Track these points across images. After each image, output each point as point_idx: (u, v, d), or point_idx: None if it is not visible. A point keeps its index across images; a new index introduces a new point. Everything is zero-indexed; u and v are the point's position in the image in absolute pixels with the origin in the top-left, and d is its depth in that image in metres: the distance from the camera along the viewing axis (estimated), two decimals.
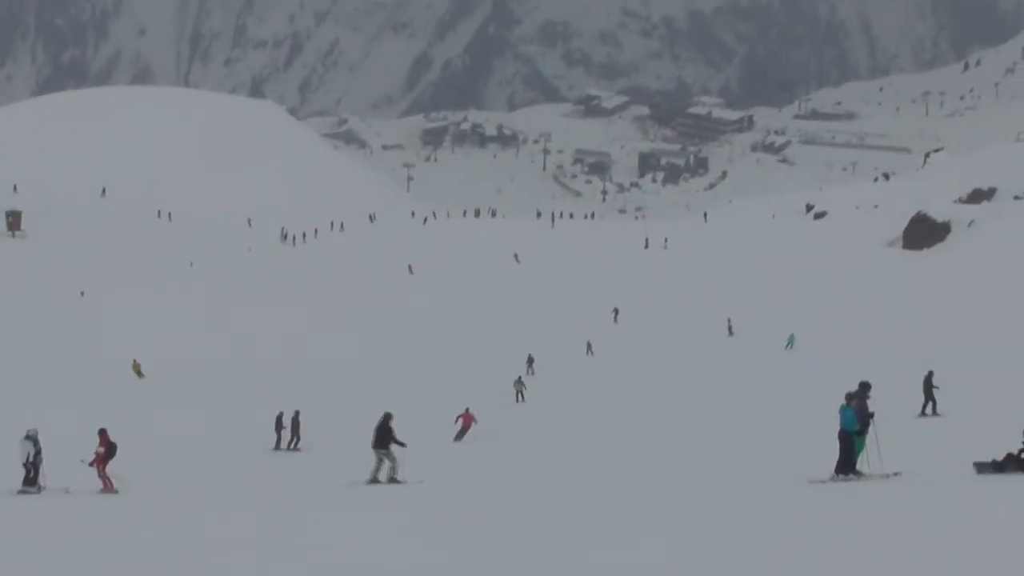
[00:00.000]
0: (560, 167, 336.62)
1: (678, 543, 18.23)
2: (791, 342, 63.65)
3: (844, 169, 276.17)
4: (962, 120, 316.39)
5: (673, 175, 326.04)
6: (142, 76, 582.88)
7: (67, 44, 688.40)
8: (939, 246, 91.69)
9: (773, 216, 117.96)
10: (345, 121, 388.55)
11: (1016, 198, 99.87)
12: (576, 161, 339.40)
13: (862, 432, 24.15)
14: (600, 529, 20.02)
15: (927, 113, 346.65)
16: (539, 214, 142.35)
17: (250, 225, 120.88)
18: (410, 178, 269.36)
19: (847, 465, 23.97)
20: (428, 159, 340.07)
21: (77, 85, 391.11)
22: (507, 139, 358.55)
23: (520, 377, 52.02)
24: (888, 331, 62.77)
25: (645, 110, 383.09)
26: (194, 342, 66.61)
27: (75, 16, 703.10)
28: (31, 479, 27.04)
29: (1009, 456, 23.86)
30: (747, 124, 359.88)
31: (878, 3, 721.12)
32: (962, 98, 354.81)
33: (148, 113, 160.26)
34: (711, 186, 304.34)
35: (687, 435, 35.39)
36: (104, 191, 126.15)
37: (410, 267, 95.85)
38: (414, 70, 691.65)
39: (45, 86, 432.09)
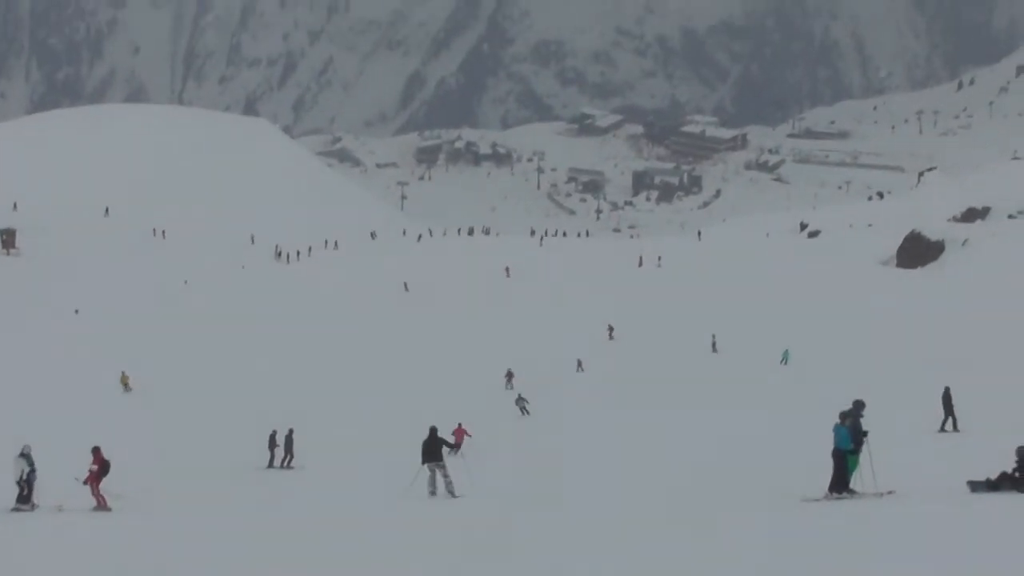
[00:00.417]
0: (554, 185, 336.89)
1: (673, 563, 18.26)
2: (786, 357, 63.72)
3: (839, 188, 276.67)
4: (956, 139, 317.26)
5: (667, 194, 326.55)
6: (136, 94, 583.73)
7: (61, 63, 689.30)
8: (933, 265, 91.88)
9: (767, 235, 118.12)
10: (339, 139, 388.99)
11: (1010, 217, 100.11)
12: (570, 179, 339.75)
13: (856, 450, 24.21)
14: (596, 547, 20.04)
15: (921, 132, 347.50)
16: (533, 232, 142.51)
17: (253, 242, 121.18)
18: (404, 196, 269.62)
19: (841, 483, 24.02)
20: (422, 177, 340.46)
21: (71, 103, 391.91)
22: (501, 157, 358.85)
23: (520, 394, 52.23)
24: (882, 349, 62.85)
25: (639, 129, 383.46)
26: (187, 359, 66.62)
27: (69, 35, 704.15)
28: (24, 497, 27.02)
29: (1003, 475, 23.91)
30: (741, 143, 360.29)
31: (872, 22, 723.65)
32: (956, 117, 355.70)
33: (142, 131, 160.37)
34: (705, 204, 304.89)
35: (679, 452, 35.40)
36: (107, 211, 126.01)
37: (405, 284, 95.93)
38: (408, 88, 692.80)
39: (40, 104, 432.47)
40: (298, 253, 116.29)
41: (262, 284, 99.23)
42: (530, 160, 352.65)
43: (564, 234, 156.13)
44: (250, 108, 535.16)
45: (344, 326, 79.91)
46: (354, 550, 20.20)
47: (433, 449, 28.11)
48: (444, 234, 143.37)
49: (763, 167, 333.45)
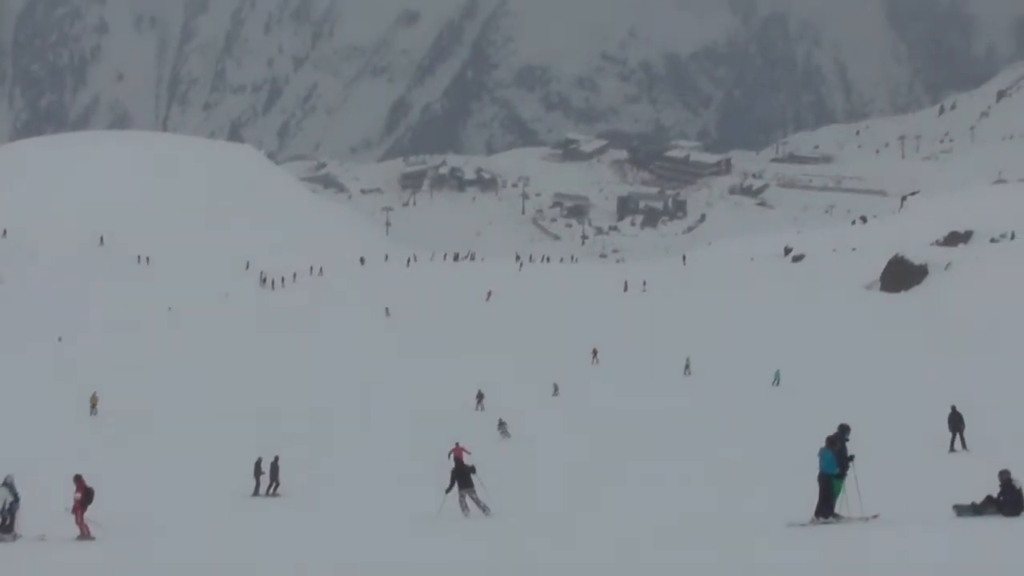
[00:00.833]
0: (539, 211, 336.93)
1: None
2: (777, 378, 63.89)
3: (823, 212, 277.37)
4: (938, 163, 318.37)
5: (652, 218, 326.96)
6: (120, 121, 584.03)
7: (45, 89, 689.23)
8: (916, 288, 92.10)
9: (752, 259, 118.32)
10: (324, 165, 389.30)
11: (992, 240, 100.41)
12: (555, 204, 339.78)
13: (841, 475, 24.26)
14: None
15: (903, 156, 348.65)
16: (518, 257, 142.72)
17: (247, 267, 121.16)
18: (388, 222, 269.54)
19: (826, 508, 24.05)
20: (407, 203, 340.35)
21: (55, 130, 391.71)
22: (486, 182, 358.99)
23: (500, 418, 52.30)
24: (867, 372, 63.03)
25: (623, 154, 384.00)
26: (172, 386, 66.44)
27: (53, 62, 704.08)
28: (7, 526, 26.92)
29: (988, 499, 23.99)
30: (725, 167, 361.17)
31: (854, 48, 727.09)
32: (940, 141, 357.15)
33: (126, 158, 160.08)
34: (690, 229, 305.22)
35: (664, 477, 35.44)
36: (102, 240, 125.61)
37: (387, 309, 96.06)
38: (393, 114, 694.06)
39: (23, 131, 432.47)
40: (283, 279, 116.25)
41: (247, 310, 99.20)
42: (515, 185, 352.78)
43: (548, 259, 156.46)
44: (235, 134, 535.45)
45: (327, 352, 79.93)
46: None
47: (465, 476, 29.49)
48: (431, 259, 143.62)
49: (747, 191, 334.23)
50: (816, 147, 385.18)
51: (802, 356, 68.91)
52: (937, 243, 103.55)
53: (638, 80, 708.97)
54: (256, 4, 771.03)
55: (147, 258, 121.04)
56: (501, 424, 51.46)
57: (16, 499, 27.02)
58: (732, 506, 28.59)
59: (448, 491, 29.70)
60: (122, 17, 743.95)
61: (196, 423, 55.06)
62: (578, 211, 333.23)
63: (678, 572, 19.71)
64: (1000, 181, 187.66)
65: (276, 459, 37.52)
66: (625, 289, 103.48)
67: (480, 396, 61.16)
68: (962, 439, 38.23)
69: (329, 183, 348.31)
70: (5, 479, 27.27)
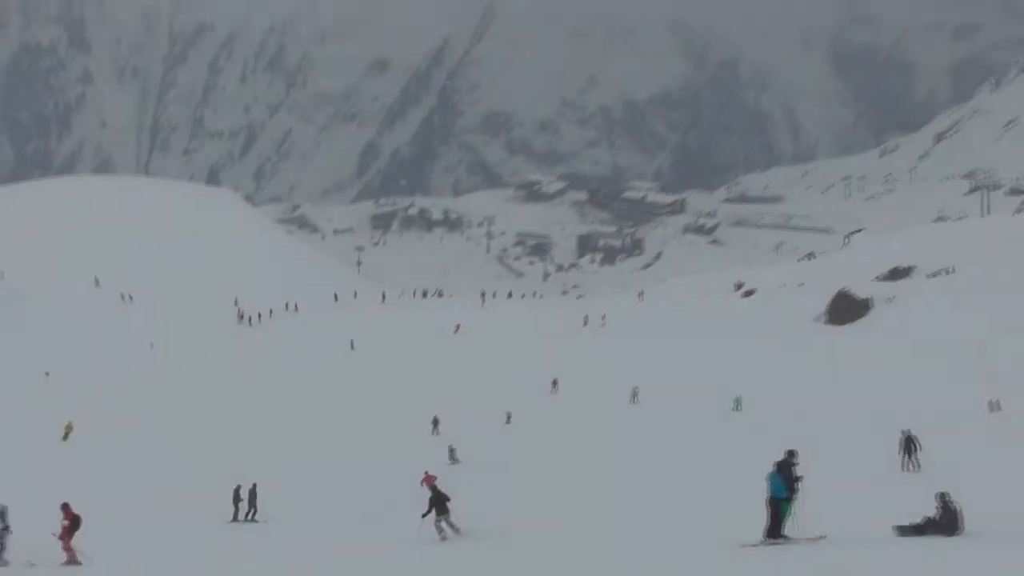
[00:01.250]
0: (504, 249, 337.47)
1: None
2: (738, 403, 64.08)
3: (773, 249, 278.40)
4: (880, 202, 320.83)
5: (610, 256, 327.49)
6: (104, 166, 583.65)
7: (31, 136, 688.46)
8: (861, 321, 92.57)
9: (705, 294, 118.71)
10: (298, 207, 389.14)
11: (932, 275, 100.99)
12: (518, 243, 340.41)
13: (790, 498, 24.45)
14: None
15: (848, 196, 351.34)
16: (482, 294, 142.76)
17: (236, 304, 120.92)
18: (359, 261, 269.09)
19: (775, 530, 24.24)
20: (377, 243, 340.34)
21: (41, 175, 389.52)
22: (453, 223, 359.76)
23: (451, 445, 52.41)
24: (813, 401, 63.28)
25: (583, 195, 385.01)
26: (152, 416, 66.17)
27: (38, 110, 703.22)
28: None
29: (928, 520, 24.24)
30: (679, 207, 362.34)
31: (801, 93, 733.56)
32: (882, 182, 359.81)
33: (110, 201, 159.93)
34: (646, 266, 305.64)
35: (617, 500, 35.50)
36: (97, 281, 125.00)
37: (352, 343, 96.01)
38: (363, 158, 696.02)
39: (10, 177, 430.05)
40: (259, 315, 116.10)
41: (225, 345, 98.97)
42: (480, 225, 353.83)
43: (511, 295, 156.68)
44: (213, 178, 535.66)
45: (299, 384, 79.78)
46: None
47: (442, 502, 29.98)
48: (400, 295, 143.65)
49: (700, 230, 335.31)
50: (766, 187, 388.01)
51: (754, 385, 69.17)
52: (880, 278, 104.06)
53: (597, 125, 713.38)
54: (232, 55, 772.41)
55: (130, 295, 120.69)
56: (451, 451, 51.48)
57: (7, 527, 26.97)
58: (683, 526, 28.71)
59: (425, 516, 29.94)
60: (105, 68, 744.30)
61: (174, 450, 54.87)
62: (540, 249, 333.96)
63: (650, 572, 19.86)
64: (940, 219, 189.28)
65: (254, 486, 37.48)
66: (585, 323, 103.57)
67: (436, 422, 61.25)
68: (917, 460, 38.80)
69: (303, 224, 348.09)
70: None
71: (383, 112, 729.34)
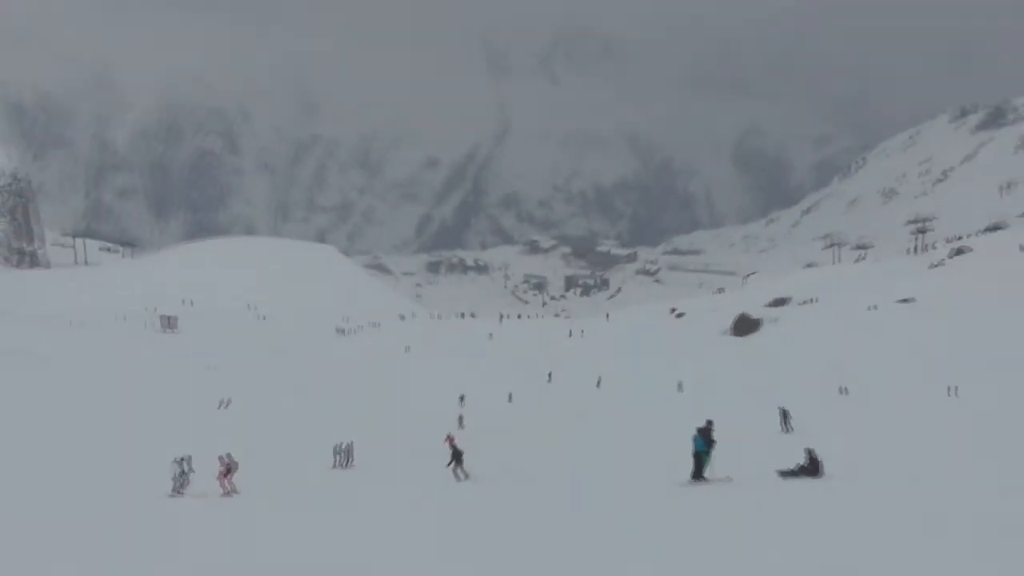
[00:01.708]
0: (515, 286, 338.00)
1: (581, 526, 18.47)
2: (680, 387, 64.17)
3: (699, 286, 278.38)
4: (767, 255, 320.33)
5: (587, 290, 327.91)
6: (250, 230, 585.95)
7: (202, 210, 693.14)
8: (754, 334, 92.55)
9: (651, 316, 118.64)
10: (377, 257, 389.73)
11: (802, 303, 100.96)
12: (525, 282, 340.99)
13: (708, 452, 24.54)
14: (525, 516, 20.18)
15: (746, 250, 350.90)
16: (501, 316, 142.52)
17: (346, 321, 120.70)
18: (418, 295, 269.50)
19: (698, 473, 24.33)
20: (431, 282, 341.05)
21: (207, 236, 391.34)
22: (481, 268, 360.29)
23: (461, 414, 51.61)
24: (724, 386, 63.25)
25: (568, 249, 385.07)
26: (283, 394, 65.69)
27: (207, 192, 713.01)
28: (179, 488, 27.04)
29: (800, 466, 24.33)
30: (633, 257, 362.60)
31: (715, 181, 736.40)
32: (769, 240, 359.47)
33: (254, 253, 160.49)
34: (611, 297, 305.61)
35: (587, 452, 35.46)
36: (249, 306, 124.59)
37: (407, 347, 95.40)
38: (420, 225, 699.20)
39: (189, 237, 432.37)
40: (353, 330, 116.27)
41: (330, 349, 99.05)
42: (499, 270, 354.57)
43: (519, 316, 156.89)
44: (321, 238, 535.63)
45: (374, 372, 79.69)
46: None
47: (459, 456, 29.80)
48: (441, 317, 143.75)
49: (647, 273, 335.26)
50: (691, 244, 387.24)
51: (687, 375, 69.15)
52: (767, 305, 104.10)
53: (577, 202, 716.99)
54: (334, 154, 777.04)
55: (264, 316, 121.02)
56: (460, 419, 50.20)
57: (185, 472, 27.18)
58: (636, 470, 28.77)
59: (448, 465, 29.96)
60: (250, 165, 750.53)
61: (296, 416, 54.80)
62: (539, 286, 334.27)
63: (602, 511, 19.90)
64: (808, 266, 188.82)
65: (351, 443, 37.19)
66: (570, 335, 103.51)
67: (462, 398, 60.48)
68: (790, 425, 38.83)
69: (381, 269, 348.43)
70: (182, 458, 27.43)
71: (434, 194, 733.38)
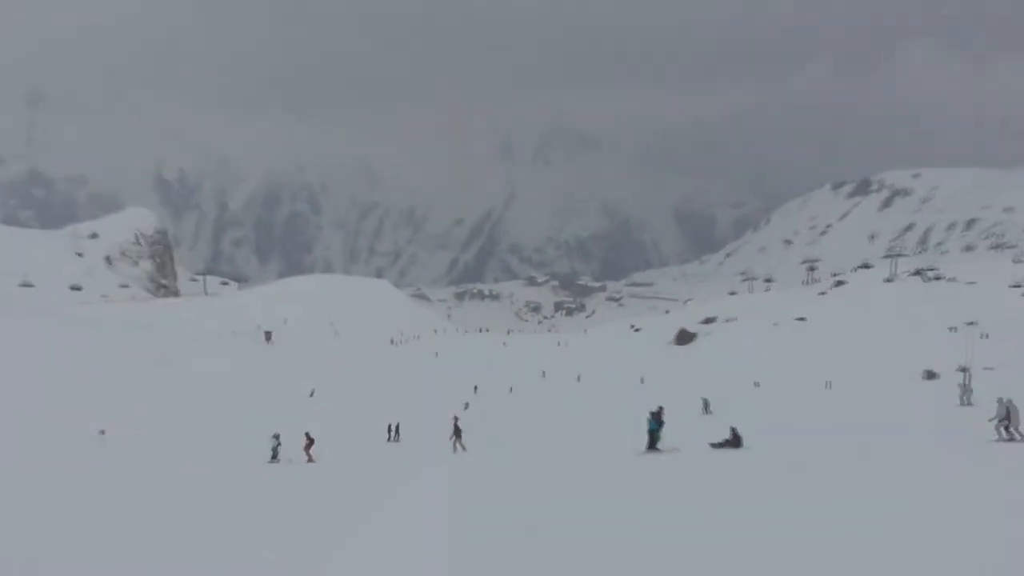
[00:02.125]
0: (518, 309, 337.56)
1: (565, 479, 18.25)
2: (642, 380, 63.82)
3: (650, 309, 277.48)
4: (701, 286, 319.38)
5: (570, 312, 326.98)
6: (327, 269, 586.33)
7: (292, 254, 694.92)
8: (692, 344, 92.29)
9: (617, 332, 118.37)
10: (419, 289, 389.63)
11: (727, 321, 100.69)
12: (525, 306, 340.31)
13: (659, 430, 24.31)
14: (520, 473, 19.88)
15: (685, 283, 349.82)
16: (508, 331, 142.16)
17: (401, 334, 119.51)
18: (449, 316, 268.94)
19: (652, 446, 24.09)
20: (458, 307, 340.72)
21: (297, 274, 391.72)
22: (494, 297, 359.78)
23: (466, 402, 50.24)
24: (671, 382, 62.85)
25: (557, 282, 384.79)
26: (354, 386, 64.79)
27: (297, 242, 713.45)
28: (275, 457, 26.86)
29: (726, 440, 24.09)
30: (604, 288, 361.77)
31: (660, 235, 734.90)
32: (702, 276, 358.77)
33: (331, 287, 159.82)
34: (588, 317, 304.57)
35: (568, 430, 35.11)
36: (332, 324, 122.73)
37: (436, 352, 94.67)
38: (451, 266, 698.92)
39: (283, 275, 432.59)
40: (402, 341, 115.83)
41: (384, 355, 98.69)
42: (507, 298, 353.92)
43: (521, 331, 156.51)
44: (378, 275, 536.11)
45: (416, 371, 79.23)
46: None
47: (459, 432, 28.64)
48: (466, 332, 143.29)
49: (615, 300, 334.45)
50: (645, 279, 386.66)
51: (643, 372, 68.78)
52: (700, 322, 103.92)
53: (563, 249, 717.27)
54: (388, 215, 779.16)
55: (337, 332, 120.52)
56: (466, 405, 49.37)
57: (279, 444, 26.99)
58: (610, 443, 28.56)
59: (451, 438, 29.37)
60: (327, 222, 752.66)
61: (362, 402, 54.34)
62: (536, 309, 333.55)
63: (580, 471, 19.67)
64: (731, 294, 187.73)
65: (398, 424, 36.96)
66: (558, 345, 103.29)
67: (475, 389, 59.51)
68: (710, 409, 38.53)
69: (422, 297, 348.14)
70: (275, 434, 27.26)
71: (460, 243, 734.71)
